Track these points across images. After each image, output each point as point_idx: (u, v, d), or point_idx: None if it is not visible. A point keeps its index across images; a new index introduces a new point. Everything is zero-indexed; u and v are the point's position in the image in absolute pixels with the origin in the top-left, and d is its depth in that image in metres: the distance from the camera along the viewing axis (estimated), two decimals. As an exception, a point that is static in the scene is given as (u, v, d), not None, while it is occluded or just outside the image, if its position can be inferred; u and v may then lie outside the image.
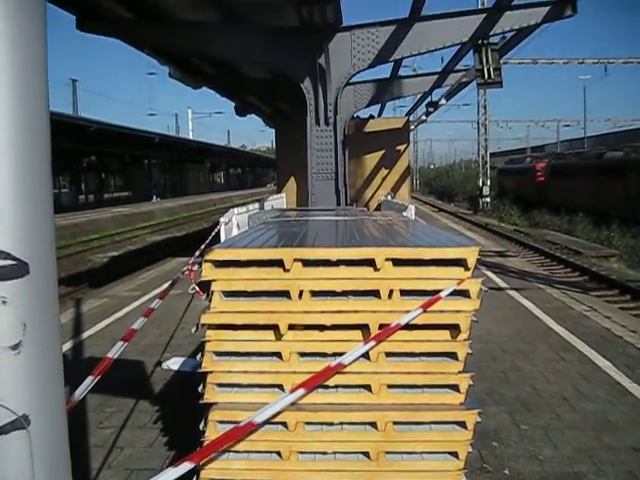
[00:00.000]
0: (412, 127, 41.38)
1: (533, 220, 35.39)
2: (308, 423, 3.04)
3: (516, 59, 36.78)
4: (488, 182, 44.12)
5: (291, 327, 3.07)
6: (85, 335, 8.19)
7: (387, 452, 3.03)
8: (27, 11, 1.47)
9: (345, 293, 3.11)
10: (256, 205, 13.22)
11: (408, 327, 3.01)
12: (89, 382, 3.14)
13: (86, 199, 48.92)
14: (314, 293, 3.08)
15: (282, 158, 24.41)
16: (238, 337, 3.09)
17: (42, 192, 1.52)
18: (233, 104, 25.33)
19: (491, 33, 12.98)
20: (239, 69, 19.25)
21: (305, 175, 13.32)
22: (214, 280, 3.08)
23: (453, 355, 3.08)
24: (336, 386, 3.07)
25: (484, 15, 12.71)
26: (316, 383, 2.94)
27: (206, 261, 3.07)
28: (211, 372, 3.10)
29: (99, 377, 3.24)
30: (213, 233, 8.07)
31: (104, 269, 20.74)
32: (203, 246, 6.12)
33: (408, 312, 3.00)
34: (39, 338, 1.52)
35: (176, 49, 14.71)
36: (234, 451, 2.97)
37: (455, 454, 3.04)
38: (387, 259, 3.04)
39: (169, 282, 5.50)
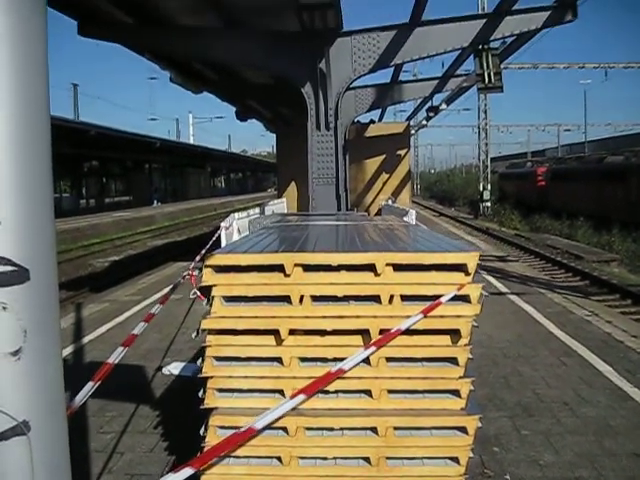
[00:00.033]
0: (413, 132, 41.35)
1: (534, 224, 35.37)
2: (308, 428, 3.04)
3: (516, 64, 36.86)
4: (489, 187, 44.13)
5: (292, 332, 3.07)
6: (86, 340, 8.18)
7: (388, 457, 3.03)
8: (28, 12, 1.48)
9: (346, 298, 3.11)
10: (257, 210, 13.23)
11: (409, 332, 3.01)
12: (89, 388, 3.13)
13: (87, 203, 48.96)
14: (315, 298, 3.08)
15: (283, 163, 24.41)
16: (239, 342, 3.10)
17: (43, 198, 1.53)
18: (234, 109, 25.37)
19: (491, 38, 13.00)
20: (240, 74, 19.29)
21: (306, 180, 13.32)
22: (215, 285, 3.09)
23: (454, 360, 3.08)
24: (336, 391, 3.07)
25: (484, 20, 12.74)
26: (317, 388, 2.93)
27: (207, 266, 3.08)
28: (212, 377, 3.10)
29: (99, 382, 3.24)
30: (214, 238, 8.06)
31: (105, 273, 20.73)
32: (204, 251, 6.13)
33: (409, 317, 3.00)
34: (39, 344, 1.52)
35: (176, 54, 14.75)
36: (234, 456, 2.97)
37: (456, 459, 3.03)
38: (388, 264, 3.05)
39: (170, 287, 5.50)
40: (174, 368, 5.60)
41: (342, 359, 3.00)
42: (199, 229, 38.22)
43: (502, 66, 14.67)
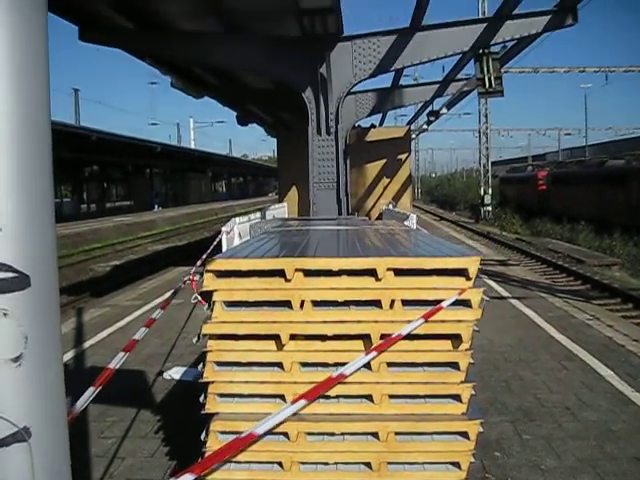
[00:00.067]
0: (413, 136, 41.45)
1: (535, 229, 35.37)
2: (309, 433, 3.04)
3: (517, 68, 36.95)
4: (490, 191, 44.11)
5: (292, 337, 3.07)
6: (87, 345, 8.18)
7: (389, 462, 3.02)
8: (29, 11, 1.48)
9: (347, 303, 3.11)
10: (258, 214, 13.24)
11: (410, 337, 3.01)
12: (90, 393, 3.13)
13: (88, 208, 48.99)
14: (315, 303, 3.08)
15: (284, 167, 24.44)
16: (240, 347, 3.09)
17: (43, 204, 1.53)
18: (235, 113, 25.40)
19: (492, 42, 13.02)
20: (240, 79, 19.32)
21: (307, 184, 13.33)
22: (216, 290, 3.09)
23: (455, 365, 3.08)
24: (337, 396, 3.07)
25: (485, 25, 12.74)
26: (318, 393, 2.93)
27: (207, 271, 3.08)
28: (212, 382, 3.10)
29: (100, 388, 3.24)
30: (215, 242, 8.06)
31: (106, 278, 20.73)
32: (205, 256, 6.13)
33: (410, 322, 3.00)
34: (40, 350, 1.52)
35: (176, 59, 14.77)
36: (235, 462, 2.96)
37: (457, 464, 3.03)
38: (389, 269, 3.05)
39: (170, 291, 5.50)
40: (175, 373, 5.59)
41: (343, 364, 2.99)
42: (200, 234, 38.23)
43: (503, 70, 14.70)
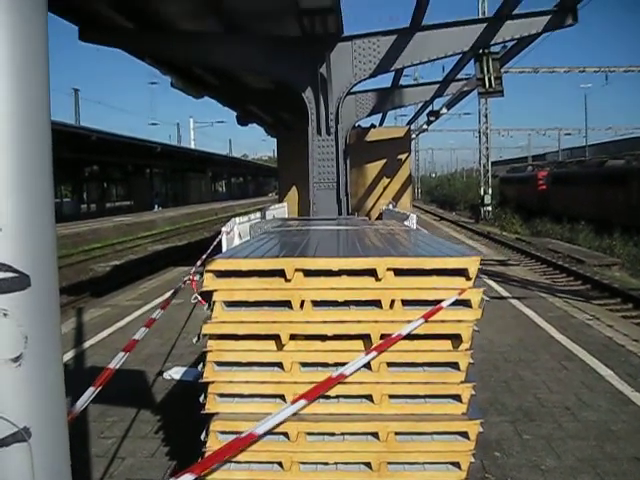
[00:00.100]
0: (413, 136, 41.44)
1: (535, 228, 35.39)
2: (309, 433, 3.04)
3: (517, 68, 36.95)
4: (490, 191, 44.12)
5: (292, 337, 3.07)
6: (87, 345, 8.19)
7: (389, 462, 3.02)
8: (29, 10, 1.48)
9: (347, 303, 3.11)
10: (258, 214, 13.24)
11: (410, 337, 3.01)
12: (90, 393, 3.13)
13: (88, 208, 48.99)
14: (315, 303, 3.08)
15: (284, 167, 24.42)
16: (240, 347, 3.09)
17: (43, 204, 1.53)
18: (235, 113, 25.39)
19: (492, 42, 13.00)
20: (240, 79, 19.32)
21: (307, 184, 13.33)
22: (216, 290, 3.09)
23: (455, 365, 3.08)
24: (337, 396, 3.07)
25: (485, 25, 12.73)
26: (318, 393, 2.93)
27: (207, 271, 3.08)
28: (212, 382, 3.10)
29: (100, 388, 3.24)
30: (215, 243, 8.06)
31: (106, 278, 20.73)
32: (205, 256, 6.13)
33: (410, 322, 3.00)
34: (40, 350, 1.52)
35: (176, 59, 14.77)
36: (235, 462, 2.96)
37: (457, 464, 3.03)
38: (388, 269, 3.05)
39: (170, 291, 5.50)
40: (175, 373, 5.58)
41: (343, 364, 3.00)
42: (200, 234, 38.24)
43: (502, 70, 14.68)
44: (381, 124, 29.68)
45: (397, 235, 4.90)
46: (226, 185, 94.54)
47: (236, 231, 10.00)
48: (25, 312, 1.47)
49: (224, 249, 8.17)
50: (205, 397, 3.12)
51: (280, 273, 3.05)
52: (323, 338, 3.08)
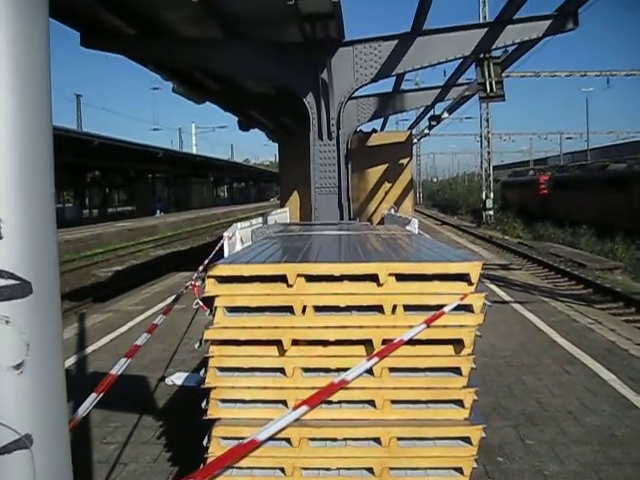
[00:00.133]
0: (415, 141, 41.40)
1: (537, 233, 35.37)
2: (312, 439, 3.03)
3: (518, 72, 37.00)
4: (491, 195, 44.15)
5: (294, 342, 3.07)
6: (89, 350, 8.18)
7: (391, 468, 3.02)
8: (29, 10, 1.48)
9: (348, 308, 3.11)
10: (259, 219, 13.23)
11: (412, 342, 3.01)
12: (92, 399, 3.13)
13: (90, 214, 49.06)
14: (317, 308, 3.08)
15: (285, 172, 24.40)
16: (241, 353, 3.09)
17: (45, 211, 1.53)
18: (236, 118, 25.42)
19: (493, 47, 13.02)
20: (242, 84, 19.35)
21: (308, 189, 13.34)
22: (217, 296, 3.09)
23: (457, 370, 3.08)
24: (340, 402, 3.07)
25: (486, 29, 12.77)
26: (320, 399, 2.93)
27: (209, 277, 3.08)
28: (215, 388, 3.10)
29: (102, 394, 3.24)
30: (217, 248, 8.06)
31: (108, 284, 20.74)
32: (207, 261, 6.13)
33: (411, 327, 3.00)
34: (42, 358, 1.52)
35: (177, 64, 14.81)
36: (238, 467, 2.96)
37: (460, 470, 3.02)
38: (390, 274, 3.05)
39: (173, 297, 5.50)
40: (177, 378, 5.61)
41: (345, 369, 2.99)
42: (202, 239, 38.26)
43: (504, 75, 14.72)
44: (382, 129, 29.71)
45: (399, 240, 4.90)
46: (228, 190, 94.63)
47: (238, 236, 9.98)
48: (27, 319, 1.47)
49: (226, 254, 8.16)
50: (207, 403, 3.12)
51: (282, 278, 3.06)
52: (325, 343, 3.08)
